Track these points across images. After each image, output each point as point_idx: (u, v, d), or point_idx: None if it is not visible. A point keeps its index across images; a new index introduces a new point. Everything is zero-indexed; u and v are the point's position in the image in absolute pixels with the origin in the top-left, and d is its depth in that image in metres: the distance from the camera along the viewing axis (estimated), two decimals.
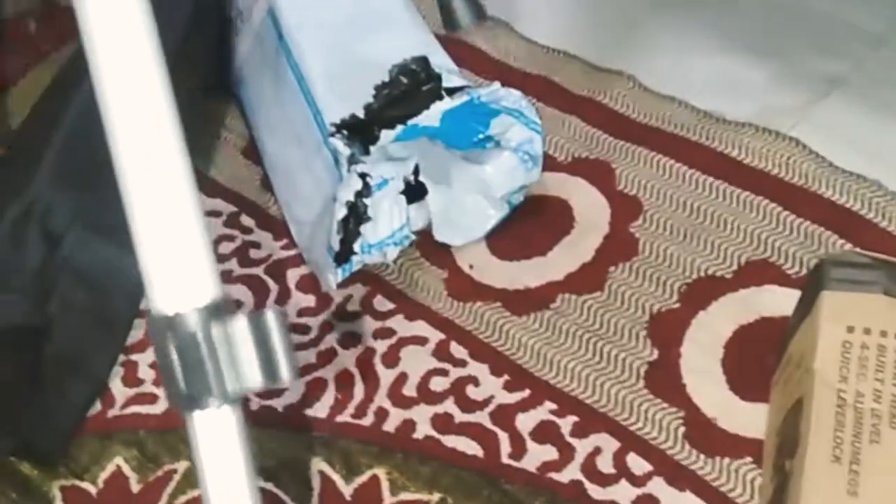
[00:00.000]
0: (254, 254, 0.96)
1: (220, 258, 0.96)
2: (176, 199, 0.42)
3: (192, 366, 0.42)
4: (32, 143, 1.00)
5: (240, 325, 0.41)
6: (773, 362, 0.76)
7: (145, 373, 0.88)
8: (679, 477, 0.76)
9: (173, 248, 0.43)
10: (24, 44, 1.18)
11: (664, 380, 0.81)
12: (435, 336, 0.87)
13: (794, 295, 0.77)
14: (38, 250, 0.91)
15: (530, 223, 0.93)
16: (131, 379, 0.88)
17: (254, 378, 0.41)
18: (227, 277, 0.94)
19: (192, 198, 0.42)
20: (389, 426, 0.82)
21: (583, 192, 0.95)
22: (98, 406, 0.87)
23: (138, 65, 0.42)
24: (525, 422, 0.81)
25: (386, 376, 0.85)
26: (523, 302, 0.88)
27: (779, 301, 0.83)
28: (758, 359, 0.80)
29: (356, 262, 0.86)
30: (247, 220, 0.99)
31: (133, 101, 0.43)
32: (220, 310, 0.42)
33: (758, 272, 0.86)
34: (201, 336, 0.41)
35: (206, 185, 1.02)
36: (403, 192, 0.88)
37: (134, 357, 0.89)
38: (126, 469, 0.83)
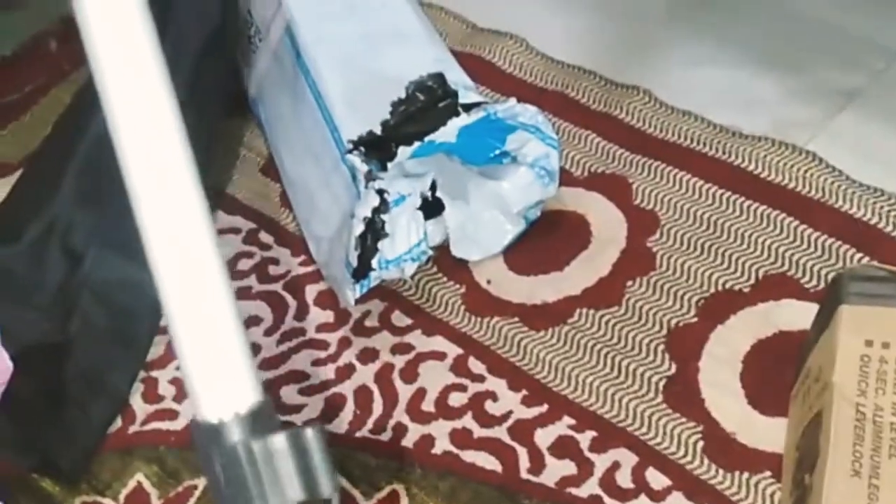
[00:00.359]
0: (272, 270, 0.96)
1: (239, 275, 0.96)
2: (213, 306, 0.42)
3: (234, 480, 0.42)
4: (53, 161, 1.01)
5: (279, 441, 0.42)
6: (791, 376, 0.76)
7: (165, 389, 0.89)
8: (698, 492, 0.76)
9: (213, 354, 0.43)
10: (45, 63, 1.20)
11: (682, 394, 0.81)
12: (453, 351, 0.87)
13: (812, 309, 0.77)
14: (58, 268, 0.92)
15: (547, 238, 0.93)
16: (152, 395, 0.89)
17: (294, 493, 0.42)
18: (246, 294, 0.95)
19: (229, 303, 0.42)
20: (408, 441, 0.82)
21: (600, 206, 0.95)
22: (119, 422, 0.88)
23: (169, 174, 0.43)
24: (543, 437, 0.81)
25: (404, 392, 0.85)
26: (541, 317, 0.88)
27: (797, 315, 0.83)
28: (776, 373, 0.80)
29: (374, 278, 0.86)
30: (265, 237, 0.99)
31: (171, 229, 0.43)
32: (261, 416, 0.42)
33: (776, 286, 0.86)
34: (242, 450, 0.42)
35: (225, 202, 1.03)
36: (421, 208, 0.88)
37: (154, 373, 0.90)
38: (147, 485, 0.83)
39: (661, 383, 0.82)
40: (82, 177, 0.96)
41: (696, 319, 0.86)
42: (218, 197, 1.03)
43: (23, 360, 0.79)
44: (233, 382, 0.43)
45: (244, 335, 0.43)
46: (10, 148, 1.12)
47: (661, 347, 0.84)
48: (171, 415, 0.87)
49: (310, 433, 0.43)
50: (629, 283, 0.89)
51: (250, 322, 0.92)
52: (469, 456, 0.81)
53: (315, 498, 0.42)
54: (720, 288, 0.87)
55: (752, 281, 0.87)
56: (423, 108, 0.87)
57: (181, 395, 0.88)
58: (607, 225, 0.94)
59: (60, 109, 1.09)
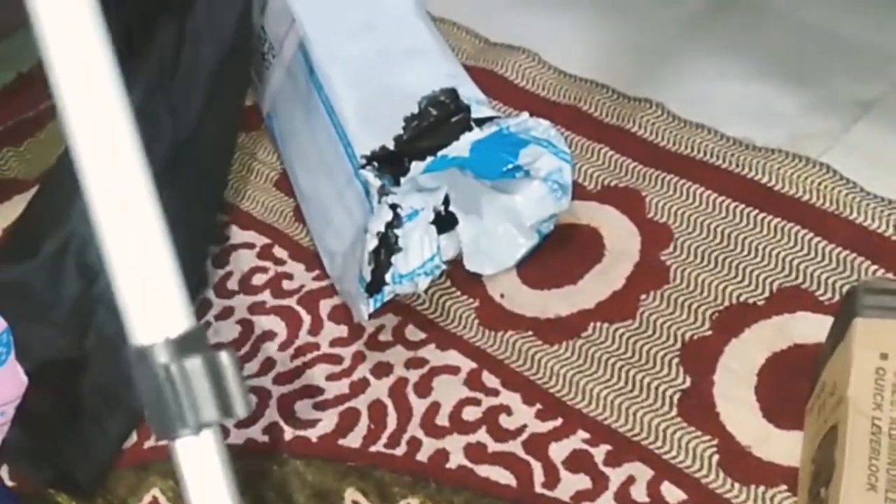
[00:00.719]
0: (287, 285, 0.97)
1: (254, 289, 0.97)
2: (145, 236, 0.44)
3: (158, 400, 0.44)
4: (68, 178, 1.02)
5: (195, 363, 0.44)
6: (807, 389, 0.76)
7: None
8: None
9: (145, 281, 0.44)
10: None
11: (697, 408, 0.81)
12: (467, 365, 0.87)
13: (827, 322, 0.77)
14: (74, 284, 0.93)
15: (561, 252, 0.93)
16: None
17: (210, 413, 0.44)
18: (260, 309, 0.95)
19: (160, 233, 0.44)
20: (423, 456, 0.82)
21: (613, 220, 0.95)
22: (134, 437, 0.88)
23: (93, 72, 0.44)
24: (558, 451, 0.80)
25: (418, 406, 0.85)
26: (555, 330, 0.88)
27: (812, 328, 0.83)
28: (792, 386, 0.79)
29: (388, 293, 0.87)
30: (280, 252, 1.00)
31: (93, 121, 0.44)
32: (190, 342, 0.44)
33: (790, 299, 0.86)
34: (162, 372, 0.44)
35: (239, 217, 1.04)
36: (434, 223, 0.88)
37: None
38: (162, 500, 0.83)
39: (676, 397, 0.82)
40: None
41: (710, 333, 0.85)
42: (232, 211, 1.04)
43: (39, 375, 0.79)
44: (163, 308, 0.45)
45: (175, 264, 0.45)
46: (27, 165, 1.13)
47: (676, 361, 0.84)
48: None
49: (224, 356, 0.45)
50: (643, 296, 0.89)
51: (265, 337, 0.93)
52: (483, 470, 0.80)
53: (229, 418, 0.44)
54: (734, 301, 0.87)
55: (767, 294, 0.87)
56: (436, 123, 0.87)
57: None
58: (621, 238, 0.94)
59: None
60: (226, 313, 0.95)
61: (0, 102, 1.19)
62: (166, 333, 0.45)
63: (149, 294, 0.45)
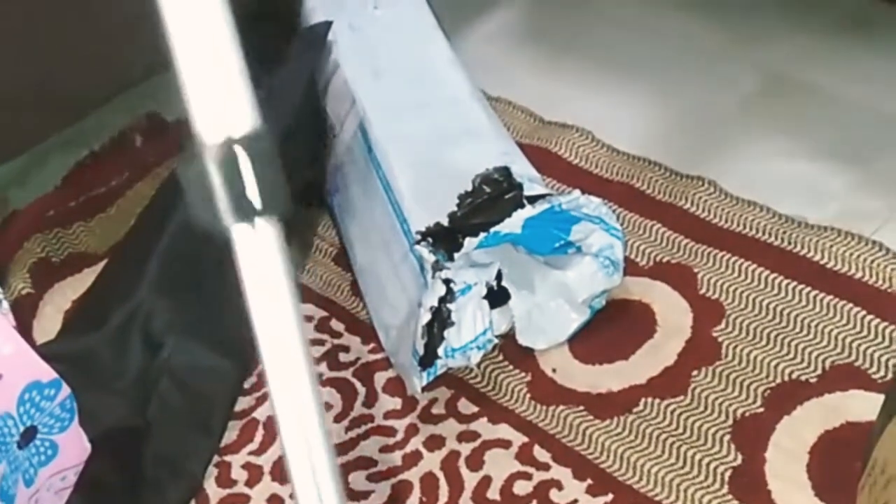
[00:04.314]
0: (343, 357, 0.98)
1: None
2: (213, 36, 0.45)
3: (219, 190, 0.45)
4: (136, 251, 1.06)
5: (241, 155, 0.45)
6: (859, 468, 0.75)
7: (238, 474, 0.91)
8: None
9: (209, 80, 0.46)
10: (130, 158, 1.25)
11: (749, 485, 0.81)
12: (518, 439, 0.88)
13: (879, 400, 0.76)
14: (139, 354, 0.96)
15: (613, 327, 0.94)
16: (225, 480, 0.91)
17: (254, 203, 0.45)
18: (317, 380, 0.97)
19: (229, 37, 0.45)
20: None
21: (665, 296, 0.96)
22: None
23: None
24: None
25: (470, 479, 0.86)
26: (606, 406, 0.89)
27: (865, 406, 0.82)
28: (844, 465, 0.79)
29: (440, 366, 0.88)
30: (337, 325, 1.02)
31: None
32: (255, 141, 0.46)
33: (843, 377, 0.86)
34: (216, 164, 0.45)
35: (298, 291, 1.06)
36: (486, 297, 0.90)
37: (227, 458, 0.92)
38: None
39: (727, 474, 0.82)
40: (164, 266, 1.00)
41: (762, 410, 0.85)
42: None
43: (102, 443, 0.82)
44: (231, 108, 0.46)
45: (242, 64, 0.45)
46: (97, 239, 1.16)
47: (727, 438, 0.84)
48: (244, 499, 0.89)
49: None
50: (695, 372, 0.89)
51: None
52: None
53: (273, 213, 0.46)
54: (786, 378, 0.87)
55: (819, 371, 0.87)
56: (490, 200, 0.89)
57: (254, 479, 0.90)
58: (673, 314, 0.94)
59: (144, 203, 1.14)
60: None
61: (73, 179, 1.23)
62: (228, 133, 0.45)
63: (213, 95, 0.45)
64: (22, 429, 0.75)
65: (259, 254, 0.47)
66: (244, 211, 0.45)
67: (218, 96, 0.46)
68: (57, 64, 1.21)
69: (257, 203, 0.46)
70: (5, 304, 0.89)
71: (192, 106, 0.46)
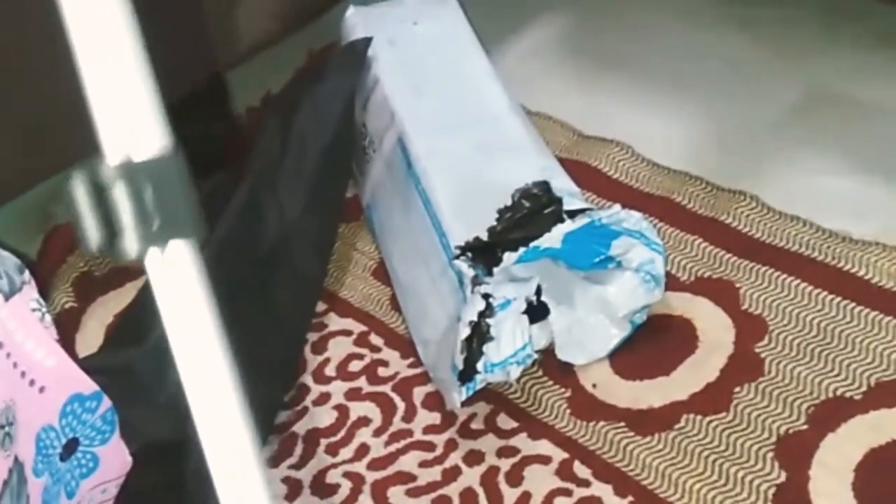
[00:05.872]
0: (382, 372, 0.99)
1: (350, 376, 0.99)
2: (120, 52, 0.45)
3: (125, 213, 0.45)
4: None
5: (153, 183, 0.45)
6: None
7: (278, 488, 0.91)
8: None
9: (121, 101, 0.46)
10: None
11: (793, 503, 0.80)
12: (558, 455, 0.87)
13: None
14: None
15: (653, 343, 0.93)
16: None
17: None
18: (356, 395, 0.97)
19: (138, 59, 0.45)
20: None
21: (707, 311, 0.95)
22: None
23: None
24: None
25: (510, 495, 0.85)
26: (647, 422, 0.88)
27: None
28: (890, 482, 0.78)
29: (480, 381, 0.88)
30: (376, 339, 1.02)
31: None
32: (162, 165, 0.45)
33: (888, 393, 0.84)
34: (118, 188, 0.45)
35: (337, 305, 1.06)
36: (526, 312, 0.90)
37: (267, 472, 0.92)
38: None
39: (771, 492, 0.81)
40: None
41: (806, 427, 0.84)
42: (331, 299, 1.07)
43: (143, 457, 0.82)
44: (140, 130, 0.46)
45: (152, 84, 0.45)
46: None
47: (771, 455, 0.83)
48: None
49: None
50: (737, 388, 0.88)
51: (360, 423, 0.94)
52: None
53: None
54: (831, 395, 0.86)
55: (864, 388, 0.85)
56: (529, 215, 0.89)
57: (293, 494, 0.90)
58: (715, 330, 0.93)
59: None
60: (323, 399, 0.97)
61: None
62: (134, 155, 0.45)
63: (120, 115, 0.45)
64: (64, 441, 0.76)
65: (171, 277, 0.47)
66: (151, 235, 0.45)
67: (125, 117, 0.45)
68: None
69: (160, 227, 0.45)
70: (48, 318, 0.90)
71: (98, 126, 0.45)
